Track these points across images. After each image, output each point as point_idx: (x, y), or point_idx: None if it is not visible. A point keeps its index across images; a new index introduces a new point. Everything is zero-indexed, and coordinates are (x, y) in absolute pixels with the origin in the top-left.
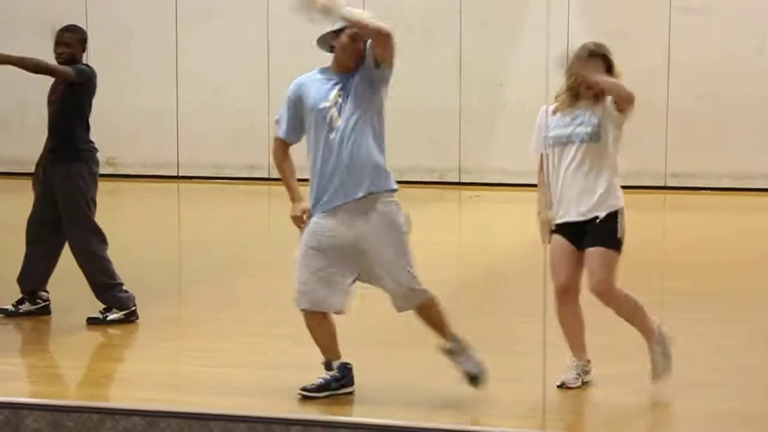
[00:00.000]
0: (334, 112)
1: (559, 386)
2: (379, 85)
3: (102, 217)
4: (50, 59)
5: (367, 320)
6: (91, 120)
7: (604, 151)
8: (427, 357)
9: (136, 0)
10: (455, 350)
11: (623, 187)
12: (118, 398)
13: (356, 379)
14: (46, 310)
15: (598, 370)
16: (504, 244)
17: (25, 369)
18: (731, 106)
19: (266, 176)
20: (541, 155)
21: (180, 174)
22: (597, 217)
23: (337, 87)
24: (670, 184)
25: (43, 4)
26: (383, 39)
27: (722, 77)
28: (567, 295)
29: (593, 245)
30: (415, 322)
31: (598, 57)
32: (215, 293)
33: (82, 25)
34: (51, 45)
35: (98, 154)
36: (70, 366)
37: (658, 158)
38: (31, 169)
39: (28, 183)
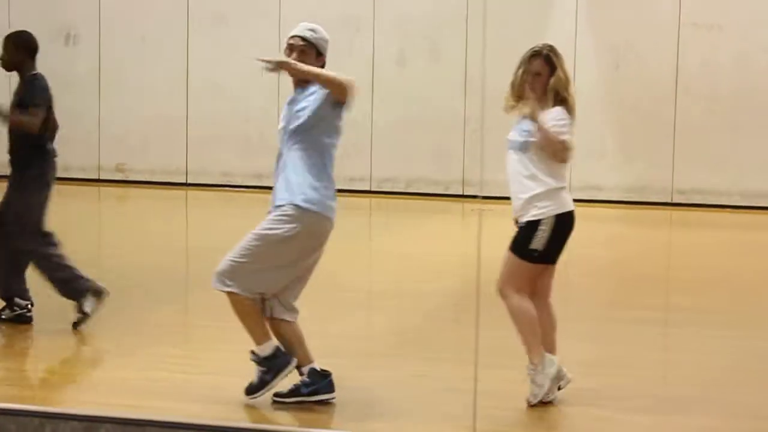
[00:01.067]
0: (282, 125)
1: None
2: (328, 120)
3: (110, 223)
4: (63, 64)
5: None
6: (100, 126)
7: (536, 160)
8: (403, 371)
9: (149, 6)
10: (258, 360)
11: (628, 203)
12: (94, 403)
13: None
14: (23, 318)
15: (595, 382)
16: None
17: (7, 373)
18: (741, 121)
19: None
20: None
21: (189, 181)
22: (519, 222)
23: (291, 104)
24: (676, 200)
25: (57, 11)
26: (336, 87)
27: (732, 92)
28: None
29: (509, 247)
30: (405, 335)
31: (541, 58)
32: (216, 300)
33: (95, 31)
34: (64, 50)
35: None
36: (54, 371)
37: (665, 174)
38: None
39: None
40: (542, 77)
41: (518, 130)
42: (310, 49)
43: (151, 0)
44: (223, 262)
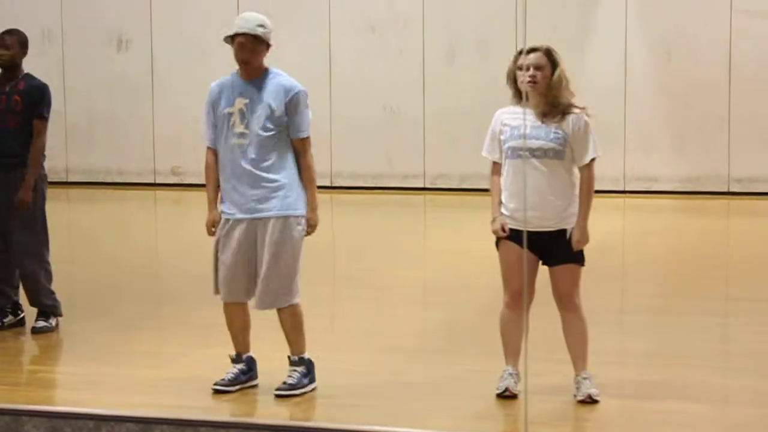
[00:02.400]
0: (236, 118)
1: (502, 394)
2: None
3: (166, 225)
4: (115, 69)
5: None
6: (154, 130)
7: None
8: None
9: (200, 10)
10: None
11: (684, 193)
12: (149, 405)
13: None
14: (23, 321)
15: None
16: None
17: (65, 377)
18: None
19: (328, 184)
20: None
21: None
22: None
23: (242, 94)
24: (733, 189)
25: (109, 16)
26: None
27: None
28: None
29: (567, 259)
30: (459, 330)
31: (540, 51)
32: None
33: (147, 36)
34: (116, 56)
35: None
36: (108, 374)
37: (720, 163)
38: (99, 178)
39: (96, 192)
40: (544, 71)
41: (540, 135)
42: (260, 46)
43: (202, 3)
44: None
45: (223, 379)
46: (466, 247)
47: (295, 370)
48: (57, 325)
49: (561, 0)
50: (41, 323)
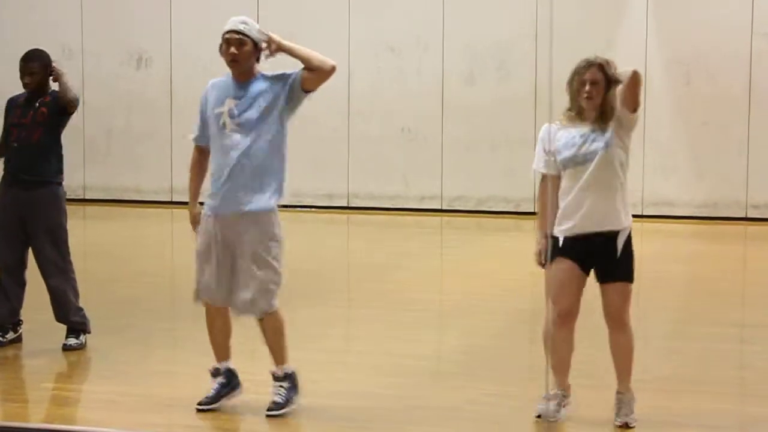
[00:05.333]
0: (226, 117)
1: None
2: (293, 106)
3: (183, 243)
4: (135, 87)
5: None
6: (173, 148)
7: (615, 169)
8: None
9: (218, 28)
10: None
11: (701, 218)
12: (167, 425)
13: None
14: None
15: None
16: None
17: (80, 395)
18: None
19: (345, 205)
20: (544, 176)
21: None
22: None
23: (233, 95)
24: (751, 215)
25: (129, 35)
26: (325, 72)
27: None
28: (568, 318)
29: (615, 279)
30: (475, 354)
31: (595, 66)
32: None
33: (166, 55)
34: (136, 74)
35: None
36: (126, 393)
37: (738, 189)
38: (116, 195)
39: (113, 210)
40: (599, 86)
41: (590, 140)
42: (246, 41)
43: (220, 21)
44: (255, 287)
45: (206, 397)
46: (482, 270)
47: (281, 386)
48: (85, 342)
49: (581, 22)
50: (72, 341)
